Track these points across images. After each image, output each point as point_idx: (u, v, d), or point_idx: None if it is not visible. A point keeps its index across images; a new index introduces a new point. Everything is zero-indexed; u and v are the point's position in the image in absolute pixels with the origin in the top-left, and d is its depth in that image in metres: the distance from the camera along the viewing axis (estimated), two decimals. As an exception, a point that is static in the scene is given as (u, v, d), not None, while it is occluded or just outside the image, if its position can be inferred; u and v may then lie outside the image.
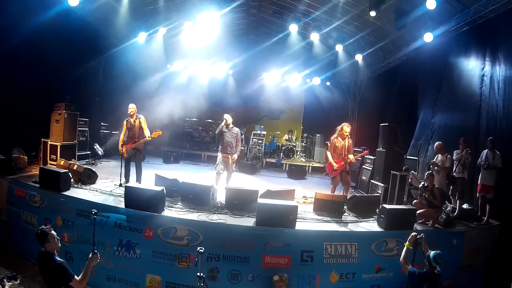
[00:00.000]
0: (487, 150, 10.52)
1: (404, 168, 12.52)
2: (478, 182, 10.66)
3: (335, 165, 11.22)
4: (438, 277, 6.62)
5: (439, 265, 6.52)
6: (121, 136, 11.23)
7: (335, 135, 11.56)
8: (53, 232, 5.75)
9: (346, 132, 11.27)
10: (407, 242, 7.02)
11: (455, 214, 10.71)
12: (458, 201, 11.06)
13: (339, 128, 11.47)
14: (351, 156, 11.25)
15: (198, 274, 6.96)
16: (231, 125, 11.69)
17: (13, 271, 6.40)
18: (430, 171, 10.52)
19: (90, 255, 5.86)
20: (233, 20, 18.80)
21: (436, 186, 10.28)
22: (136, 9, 15.22)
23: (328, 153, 11.57)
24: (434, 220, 9.72)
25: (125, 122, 11.16)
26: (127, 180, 11.12)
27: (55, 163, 12.11)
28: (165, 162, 17.50)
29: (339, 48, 17.49)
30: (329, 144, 12.12)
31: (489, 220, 10.46)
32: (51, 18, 12.09)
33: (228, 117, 11.65)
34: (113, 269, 8.50)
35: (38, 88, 12.86)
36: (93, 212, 6.62)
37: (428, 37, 13.19)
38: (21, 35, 11.41)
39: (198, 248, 6.84)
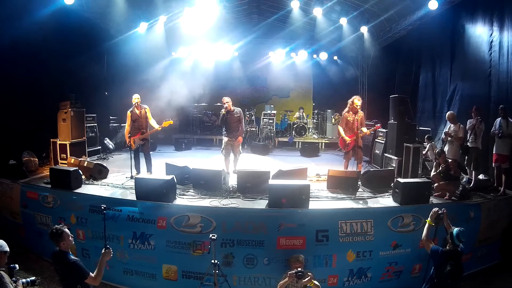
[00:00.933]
0: (500, 118, 10.25)
1: (426, 136, 12.36)
2: (493, 152, 10.45)
3: (348, 139, 11.17)
4: (461, 255, 6.44)
5: (462, 243, 6.34)
6: (127, 127, 11.16)
7: (346, 109, 11.47)
8: (66, 229, 5.72)
9: (357, 105, 11.14)
10: (428, 219, 6.77)
11: (471, 185, 10.55)
12: (473, 172, 10.83)
13: (350, 101, 11.36)
14: (364, 129, 11.23)
15: (213, 261, 6.92)
16: (231, 108, 11.53)
17: (33, 273, 6.31)
18: (439, 150, 10.24)
19: (103, 251, 5.84)
20: (233, 1, 18.62)
21: (450, 159, 10.11)
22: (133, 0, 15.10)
23: (340, 128, 11.51)
24: (450, 193, 9.54)
25: (129, 113, 11.06)
26: (138, 172, 11.14)
27: (65, 161, 12.18)
28: (177, 149, 17.56)
29: (343, 21, 17.22)
30: (335, 118, 11.98)
31: (505, 191, 10.23)
32: (48, 18, 12.05)
33: (227, 100, 11.49)
34: (129, 262, 8.57)
35: (42, 88, 12.88)
36: (102, 207, 6.59)
37: (433, 4, 12.97)
38: (20, 37, 11.36)
39: (211, 235, 6.81)
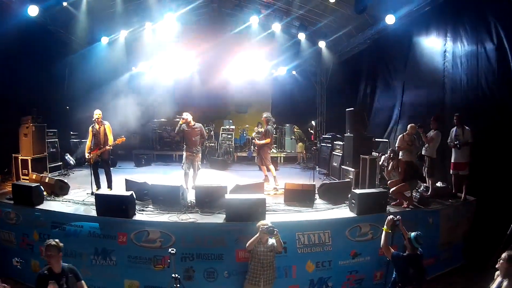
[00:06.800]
0: (455, 127, 10.60)
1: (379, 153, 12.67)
2: (451, 161, 10.77)
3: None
4: (421, 257, 6.77)
5: (421, 246, 6.65)
6: (88, 143, 11.16)
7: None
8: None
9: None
10: (385, 227, 7.09)
11: (429, 193, 10.85)
12: (429, 179, 11.14)
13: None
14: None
15: (173, 275, 7.04)
16: (192, 123, 11.83)
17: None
18: (390, 154, 10.55)
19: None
20: (194, 17, 18.77)
21: (403, 159, 10.29)
22: (95, 14, 15.11)
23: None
24: (409, 201, 9.88)
25: (90, 128, 11.08)
26: (98, 187, 11.16)
27: (27, 177, 12.03)
28: (137, 165, 17.48)
29: (301, 36, 17.56)
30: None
31: (466, 197, 10.58)
32: (11, 30, 11.93)
33: (186, 115, 11.82)
34: (92, 279, 8.35)
35: (5, 102, 12.77)
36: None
37: (390, 19, 13.30)
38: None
39: (170, 249, 6.95)
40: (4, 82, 12.64)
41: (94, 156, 10.98)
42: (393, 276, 6.96)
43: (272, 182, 12.58)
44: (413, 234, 6.65)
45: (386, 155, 11.76)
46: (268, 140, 12.77)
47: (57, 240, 6.24)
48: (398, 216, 7.19)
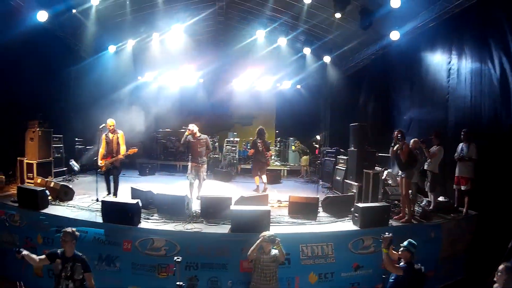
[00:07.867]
0: (462, 143, 10.67)
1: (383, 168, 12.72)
2: (455, 175, 10.84)
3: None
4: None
5: (416, 249, 6.74)
6: (101, 151, 11.13)
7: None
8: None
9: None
10: (383, 248, 7.05)
11: (430, 207, 10.93)
12: (432, 194, 11.20)
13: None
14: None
15: (178, 283, 7.08)
16: (197, 134, 11.92)
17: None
18: (397, 135, 10.24)
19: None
20: (201, 28, 18.83)
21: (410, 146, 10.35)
22: (104, 22, 15.31)
23: None
24: (409, 216, 9.93)
25: (103, 136, 11.09)
26: (109, 193, 11.20)
27: (32, 181, 12.03)
28: (141, 174, 17.39)
29: (307, 51, 17.77)
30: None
31: (468, 212, 10.66)
32: (20, 34, 11.94)
33: (193, 127, 11.90)
34: (95, 284, 8.45)
35: (11, 106, 12.77)
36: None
37: (395, 35, 13.47)
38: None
39: (175, 257, 7.00)
40: (12, 86, 12.65)
41: (107, 164, 11.01)
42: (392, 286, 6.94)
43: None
44: (406, 242, 6.75)
45: (388, 170, 11.88)
46: (251, 151, 13.55)
47: (74, 228, 6.75)
48: (385, 233, 7.13)
